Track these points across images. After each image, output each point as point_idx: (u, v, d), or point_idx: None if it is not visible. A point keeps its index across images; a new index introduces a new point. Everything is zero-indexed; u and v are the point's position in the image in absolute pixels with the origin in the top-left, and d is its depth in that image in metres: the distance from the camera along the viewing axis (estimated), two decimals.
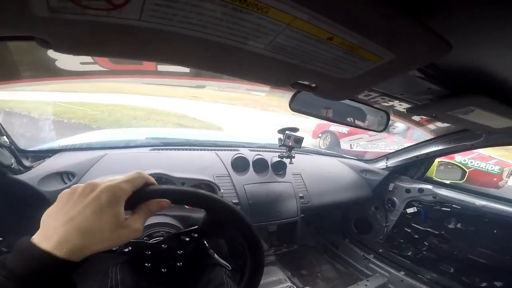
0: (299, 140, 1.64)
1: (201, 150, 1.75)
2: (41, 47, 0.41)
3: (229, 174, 1.60)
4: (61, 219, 0.39)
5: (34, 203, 1.27)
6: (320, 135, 7.49)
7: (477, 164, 5.01)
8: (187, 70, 1.34)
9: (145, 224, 1.13)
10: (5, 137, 1.08)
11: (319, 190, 1.87)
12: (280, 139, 1.70)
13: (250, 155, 1.73)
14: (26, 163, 1.26)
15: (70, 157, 1.39)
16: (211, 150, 1.76)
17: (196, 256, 0.92)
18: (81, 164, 1.33)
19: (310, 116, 1.20)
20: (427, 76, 0.74)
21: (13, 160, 1.16)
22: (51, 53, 1.03)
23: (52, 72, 1.13)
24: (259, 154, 1.75)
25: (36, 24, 0.35)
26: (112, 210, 0.40)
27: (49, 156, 1.38)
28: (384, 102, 1.11)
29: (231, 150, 1.80)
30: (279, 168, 1.76)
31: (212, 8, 0.34)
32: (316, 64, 0.49)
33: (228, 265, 1.29)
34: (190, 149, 1.73)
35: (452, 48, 0.44)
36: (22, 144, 1.29)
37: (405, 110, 1.19)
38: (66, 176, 1.29)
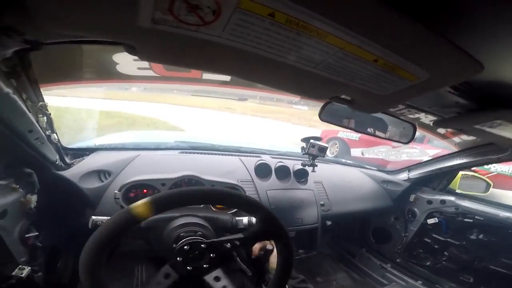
0: (323, 149, 1.68)
1: (225, 155, 1.83)
2: (127, 52, 0.47)
3: (252, 179, 1.66)
4: None
5: (74, 200, 1.37)
6: (326, 142, 7.36)
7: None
8: (227, 78, 1.42)
9: (177, 224, 1.20)
10: (55, 134, 1.16)
11: (340, 198, 1.90)
12: (303, 148, 1.75)
13: (273, 162, 1.78)
14: (67, 160, 1.35)
15: (106, 156, 1.49)
16: (235, 155, 1.83)
17: (222, 259, 0.96)
18: (117, 164, 1.43)
19: (338, 126, 1.25)
20: (456, 90, 0.78)
21: (57, 157, 1.25)
22: (116, 57, 1.12)
23: (110, 75, 1.22)
24: (281, 161, 1.80)
25: (134, 32, 0.40)
26: None
27: (87, 155, 1.48)
28: (411, 114, 1.14)
29: (253, 156, 1.86)
30: (301, 175, 1.80)
31: (279, 32, 0.40)
32: (358, 81, 0.54)
33: (248, 270, 1.34)
34: (215, 154, 1.81)
35: (483, 68, 0.48)
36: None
37: (431, 123, 1.22)
38: (103, 174, 1.39)
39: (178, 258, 0.77)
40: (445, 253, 2.00)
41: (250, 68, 0.52)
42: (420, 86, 0.55)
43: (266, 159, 1.81)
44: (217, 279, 1.22)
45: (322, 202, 1.80)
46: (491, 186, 3.83)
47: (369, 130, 1.31)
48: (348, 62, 0.47)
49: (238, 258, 1.34)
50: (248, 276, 1.29)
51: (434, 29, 0.40)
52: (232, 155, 1.84)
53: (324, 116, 1.15)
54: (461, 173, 2.20)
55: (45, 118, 0.98)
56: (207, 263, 0.78)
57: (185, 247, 0.81)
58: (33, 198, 1.16)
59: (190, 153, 1.73)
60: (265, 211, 0.64)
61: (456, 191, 2.23)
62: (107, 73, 1.20)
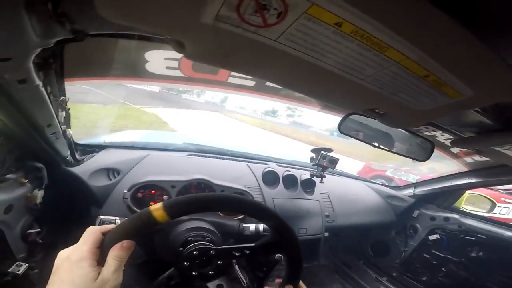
0: (334, 161, 1.67)
1: (233, 160, 1.82)
2: (174, 49, 0.45)
3: (259, 186, 1.65)
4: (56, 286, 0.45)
5: (80, 197, 1.34)
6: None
7: None
8: (251, 84, 1.42)
9: (185, 228, 1.17)
10: (70, 130, 1.14)
11: (345, 210, 1.89)
12: (312, 158, 1.74)
13: (280, 170, 1.77)
14: (77, 156, 1.33)
15: (116, 154, 1.47)
16: (242, 161, 1.82)
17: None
18: (126, 162, 1.41)
19: (356, 139, 1.21)
20: (483, 110, 0.78)
21: (68, 153, 1.23)
22: (147, 54, 1.10)
23: (137, 73, 1.20)
24: (288, 170, 1.79)
25: (192, 28, 0.38)
26: (81, 270, 0.45)
27: (97, 152, 1.46)
28: (427, 131, 1.14)
29: (260, 163, 1.86)
30: (309, 185, 1.79)
31: (340, 42, 0.39)
32: (400, 95, 0.53)
33: (245, 281, 1.31)
34: (223, 158, 1.80)
35: None
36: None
37: (446, 141, 1.22)
38: (111, 172, 1.37)
39: (185, 263, 0.75)
40: (443, 269, 2.01)
41: (293, 74, 0.51)
42: (460, 104, 0.54)
43: (274, 167, 1.80)
44: (219, 287, 1.19)
45: (327, 213, 1.78)
46: (496, 206, 3.86)
47: (387, 146, 1.27)
48: (399, 76, 0.46)
49: (236, 266, 1.32)
50: (244, 287, 1.27)
51: (490, 46, 0.40)
52: (239, 160, 1.83)
53: (344, 129, 1.14)
54: (467, 192, 2.21)
55: (63, 113, 0.96)
56: (213, 270, 0.76)
57: (194, 252, 0.79)
58: (39, 194, 1.15)
59: (198, 156, 1.72)
60: (281, 221, 0.63)
61: (461, 208, 2.24)
62: (135, 71, 1.17)
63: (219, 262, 0.74)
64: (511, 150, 0.93)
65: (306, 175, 1.80)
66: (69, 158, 1.24)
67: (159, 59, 1.13)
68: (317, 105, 1.82)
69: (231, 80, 1.35)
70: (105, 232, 0.50)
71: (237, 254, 0.69)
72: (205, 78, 1.35)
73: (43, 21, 0.44)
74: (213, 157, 1.76)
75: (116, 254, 0.47)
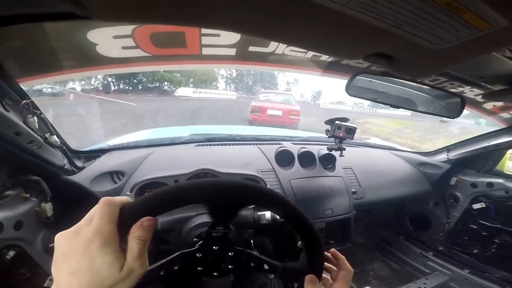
0: (351, 130, 1.50)
1: (243, 144, 1.71)
2: (75, 12, 0.36)
3: (273, 168, 1.53)
4: (65, 275, 0.34)
5: (88, 205, 1.29)
6: None
7: None
8: (232, 53, 1.28)
9: (194, 224, 1.08)
10: (55, 136, 1.07)
11: (373, 184, 1.73)
12: (327, 130, 1.58)
13: (295, 148, 1.64)
14: (79, 163, 1.27)
15: (120, 156, 1.40)
16: (253, 144, 1.71)
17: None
18: (130, 163, 1.33)
19: (368, 100, 1.13)
20: None
21: (65, 161, 1.17)
22: (90, 36, 1.00)
23: (93, 61, 1.11)
24: (304, 147, 1.65)
25: None
26: (105, 257, 0.34)
27: (100, 156, 1.39)
28: (453, 88, 0.98)
29: (273, 144, 1.73)
30: (328, 161, 1.64)
31: None
32: (407, 28, 0.39)
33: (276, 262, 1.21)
34: (232, 144, 1.70)
35: None
36: (74, 145, 1.31)
37: (476, 97, 1.06)
38: (116, 175, 1.30)
39: (197, 254, 0.65)
40: (495, 240, 1.80)
41: (265, 17, 0.38)
42: (490, 38, 0.39)
43: (288, 145, 1.67)
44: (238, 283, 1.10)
45: (353, 190, 1.63)
46: None
47: (406, 104, 1.14)
48: (410, 5, 0.33)
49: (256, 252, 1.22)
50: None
51: None
52: (250, 144, 1.72)
53: (352, 90, 1.03)
54: (509, 152, 1.95)
55: (35, 118, 0.88)
56: (230, 264, 0.66)
57: (214, 247, 0.68)
58: (48, 207, 1.11)
59: (206, 145, 1.63)
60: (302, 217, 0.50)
61: (505, 172, 1.99)
62: (88, 59, 1.08)
63: (230, 253, 0.64)
64: None
65: (324, 150, 1.65)
66: (67, 166, 1.18)
67: (108, 38, 1.02)
68: (316, 69, 1.63)
69: (205, 51, 1.21)
70: (124, 204, 0.38)
71: (252, 264, 0.61)
72: (173, 54, 1.22)
73: None
74: (221, 145, 1.66)
75: (139, 235, 0.36)
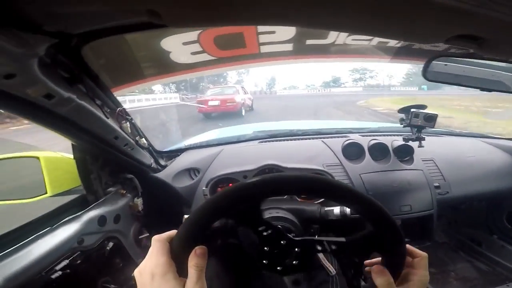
0: (431, 118, 1.32)
1: (306, 139, 1.67)
2: (154, 24, 0.42)
3: (340, 162, 1.45)
4: None
5: (172, 199, 1.44)
6: None
7: None
8: (290, 48, 1.25)
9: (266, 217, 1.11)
10: (143, 139, 1.22)
11: (460, 178, 1.51)
12: (402, 120, 1.42)
13: (364, 141, 1.53)
14: (162, 162, 1.45)
15: (195, 155, 1.55)
16: (317, 138, 1.65)
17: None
18: (204, 160, 1.46)
19: (449, 84, 1.02)
20: None
21: (152, 160, 1.34)
22: (164, 44, 1.09)
23: (169, 68, 1.21)
24: (375, 139, 1.52)
25: None
26: (167, 284, 0.42)
27: (178, 155, 1.56)
28: None
29: (339, 137, 1.65)
30: (405, 153, 1.48)
31: None
32: (496, 7, 0.32)
33: (331, 269, 1.17)
34: (295, 139, 1.67)
35: None
36: (157, 146, 1.49)
37: None
38: (192, 172, 1.44)
39: (265, 248, 0.66)
40: None
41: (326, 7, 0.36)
42: None
43: (356, 138, 1.57)
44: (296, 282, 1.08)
45: (436, 184, 1.45)
46: None
47: (497, 86, 0.97)
48: None
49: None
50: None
51: None
52: (313, 138, 1.67)
53: (430, 75, 0.94)
54: None
55: (128, 123, 1.01)
56: (295, 260, 0.64)
57: (282, 241, 0.68)
58: (139, 201, 1.27)
59: (269, 141, 1.65)
60: (382, 213, 0.45)
61: None
62: (165, 66, 1.17)
63: (296, 249, 0.63)
64: None
65: (398, 141, 1.49)
66: (154, 165, 1.35)
67: (178, 45, 1.09)
68: (384, 56, 1.46)
69: (263, 49, 1.20)
70: (171, 238, 0.48)
71: (319, 247, 0.56)
72: (236, 55, 1.24)
73: (15, 33, 0.43)
74: (284, 140, 1.66)
75: (195, 263, 0.44)
